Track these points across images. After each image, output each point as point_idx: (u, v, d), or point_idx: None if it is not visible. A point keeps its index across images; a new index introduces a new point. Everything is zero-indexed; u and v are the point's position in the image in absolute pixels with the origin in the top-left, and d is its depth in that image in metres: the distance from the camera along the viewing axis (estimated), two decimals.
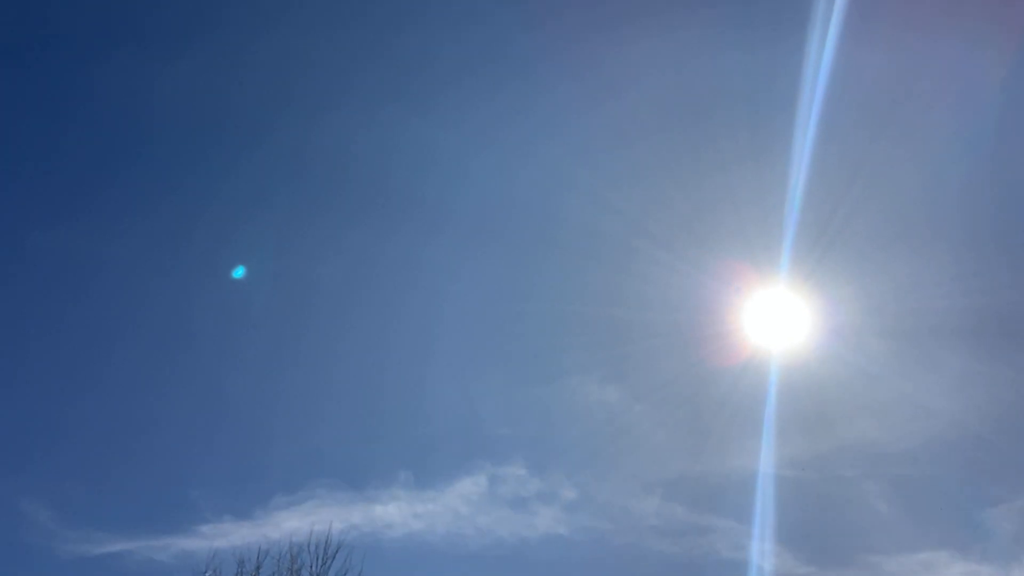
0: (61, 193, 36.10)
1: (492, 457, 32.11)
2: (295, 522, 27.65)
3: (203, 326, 35.41)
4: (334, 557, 23.82)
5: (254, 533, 27.87)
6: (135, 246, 35.62)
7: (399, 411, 34.71)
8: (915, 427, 32.16)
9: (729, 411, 32.44)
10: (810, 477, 31.35)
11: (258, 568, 23.31)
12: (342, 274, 36.46)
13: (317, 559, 23.70)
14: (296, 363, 35.47)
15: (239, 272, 34.51)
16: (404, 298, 36.49)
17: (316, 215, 37.08)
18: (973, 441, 31.39)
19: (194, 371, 34.87)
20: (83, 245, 35.00)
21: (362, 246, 36.76)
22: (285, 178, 37.48)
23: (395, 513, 29.58)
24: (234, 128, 36.85)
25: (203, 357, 35.07)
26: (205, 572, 23.23)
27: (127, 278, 35.84)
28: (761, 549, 29.10)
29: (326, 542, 24.00)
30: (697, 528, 31.02)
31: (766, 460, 30.56)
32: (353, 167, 36.58)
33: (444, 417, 34.30)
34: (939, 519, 30.47)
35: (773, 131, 31.49)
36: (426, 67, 36.18)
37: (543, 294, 36.42)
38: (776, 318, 32.64)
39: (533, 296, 36.26)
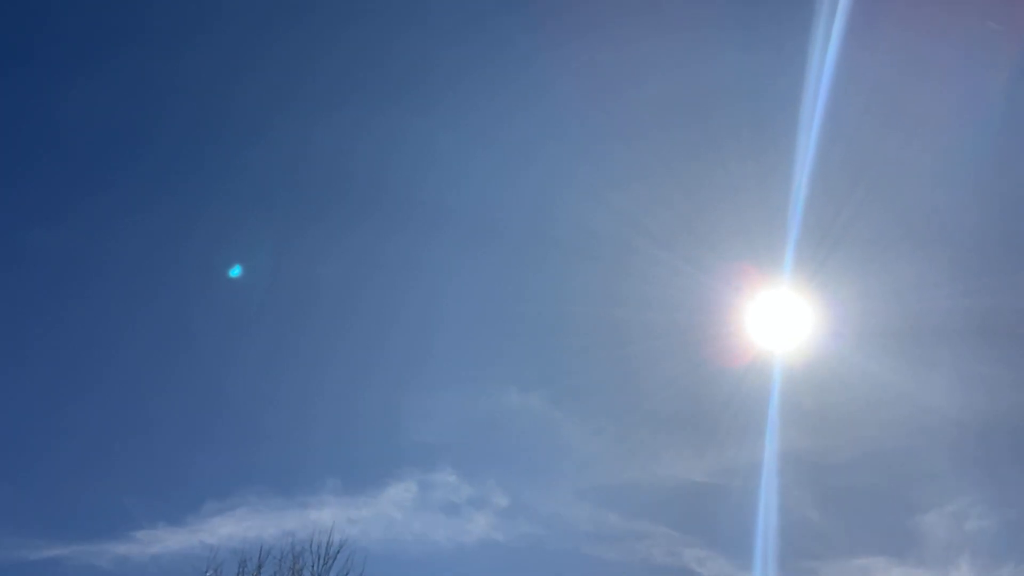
0: (60, 191, 36.12)
1: (419, 463, 32.43)
2: (230, 528, 28.51)
3: (149, 329, 35.26)
4: (335, 557, 23.93)
5: (191, 539, 28.37)
6: (135, 245, 35.62)
7: (323, 418, 34.84)
8: (912, 427, 32.44)
9: (731, 412, 32.33)
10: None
11: (259, 568, 23.30)
12: (337, 275, 36.41)
13: (319, 559, 23.77)
14: (224, 371, 35.39)
15: (236, 271, 34.42)
16: (363, 304, 36.56)
17: (316, 215, 37.05)
18: (972, 440, 31.62)
19: (126, 380, 34.66)
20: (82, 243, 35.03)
21: (361, 247, 36.77)
22: (285, 178, 37.43)
23: (329, 519, 29.20)
24: (235, 128, 36.87)
25: (138, 366, 34.93)
26: (206, 571, 23.16)
27: (124, 278, 35.89)
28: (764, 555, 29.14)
29: (327, 542, 24.12)
30: (632, 534, 31.58)
31: (769, 461, 30.50)
32: (353, 168, 36.56)
33: (368, 424, 34.48)
34: (875, 525, 31.00)
35: (776, 130, 31.46)
36: (426, 68, 36.18)
37: (540, 296, 36.51)
38: (779, 320, 32.52)
39: (523, 298, 36.34)
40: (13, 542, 28.70)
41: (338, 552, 23.86)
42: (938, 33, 30.36)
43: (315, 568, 23.47)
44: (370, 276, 36.61)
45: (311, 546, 23.88)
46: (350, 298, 36.63)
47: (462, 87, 36.41)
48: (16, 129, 35.40)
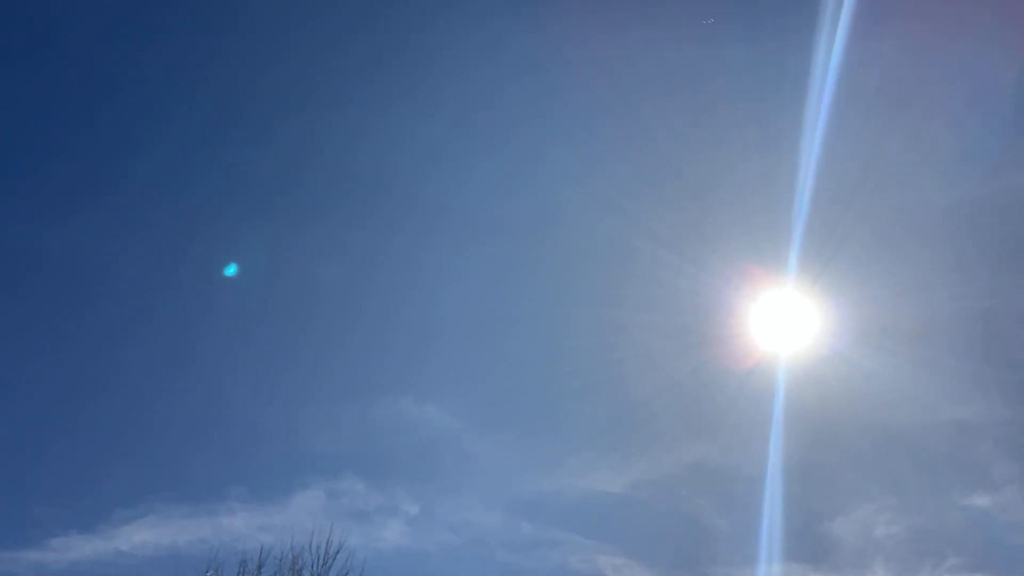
0: (63, 192, 36.18)
1: (324, 472, 32.55)
2: (144, 535, 29.14)
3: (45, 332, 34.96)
4: (335, 557, 23.87)
5: (106, 546, 28.82)
6: (137, 245, 35.67)
7: (224, 425, 34.79)
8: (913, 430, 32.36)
9: (737, 414, 32.17)
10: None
11: (260, 568, 23.29)
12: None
13: (318, 560, 23.72)
14: (123, 381, 35.22)
15: (231, 270, 34.47)
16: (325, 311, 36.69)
17: (318, 216, 37.02)
18: (970, 441, 31.59)
19: (28, 388, 34.46)
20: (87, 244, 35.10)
21: (363, 247, 36.77)
22: (288, 179, 37.39)
23: (242, 526, 29.79)
24: (238, 128, 36.88)
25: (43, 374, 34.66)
26: (207, 572, 23.15)
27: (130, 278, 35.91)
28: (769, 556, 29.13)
29: (327, 543, 24.04)
30: (546, 542, 31.96)
31: (774, 463, 30.32)
32: (356, 168, 36.54)
33: (269, 432, 34.54)
34: (787, 531, 30.91)
35: (781, 132, 31.24)
36: (431, 69, 36.04)
37: (539, 297, 36.46)
38: (783, 321, 32.32)
39: (520, 300, 36.24)
40: None
41: (337, 552, 23.87)
42: (943, 33, 30.25)
43: (314, 568, 23.50)
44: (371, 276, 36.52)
45: (310, 546, 23.90)
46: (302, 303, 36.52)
47: (466, 88, 36.33)
48: (19, 130, 35.58)
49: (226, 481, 31.98)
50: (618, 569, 30.43)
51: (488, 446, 34.02)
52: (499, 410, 35.13)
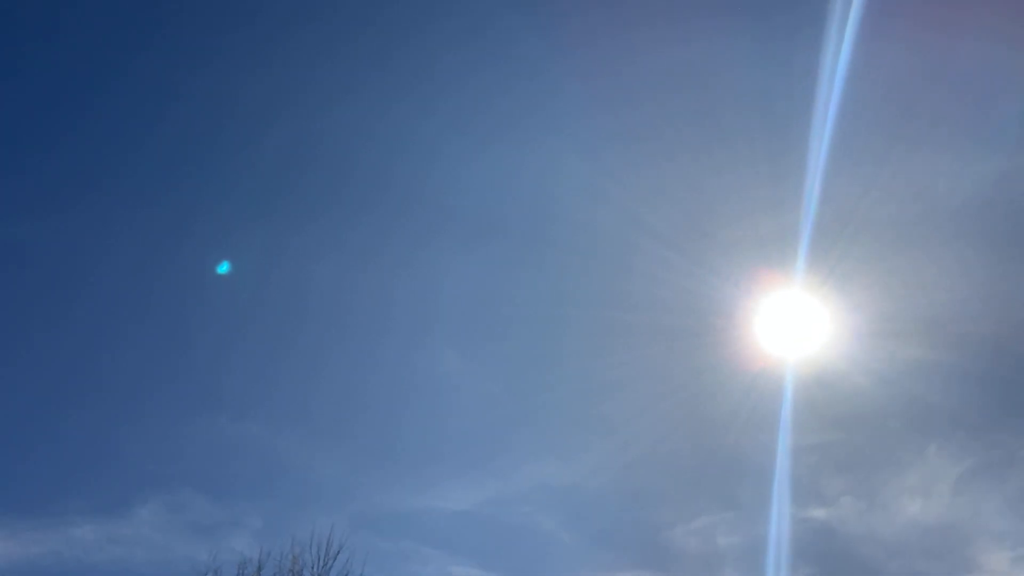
0: (58, 186, 35.74)
1: (160, 486, 32.43)
2: None
3: None
4: (335, 558, 23.69)
5: None
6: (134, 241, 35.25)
7: (54, 438, 34.23)
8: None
9: (743, 417, 31.73)
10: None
11: (259, 569, 23.06)
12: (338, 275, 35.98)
13: (318, 560, 23.53)
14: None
15: (224, 268, 34.14)
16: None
17: (316, 215, 36.60)
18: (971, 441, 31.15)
19: None
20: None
21: (361, 246, 36.35)
22: (286, 177, 37.04)
23: (91, 538, 30.09)
24: (237, 126, 36.53)
25: None
26: (206, 574, 22.81)
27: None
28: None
29: (327, 543, 23.82)
30: (398, 554, 32.04)
31: (781, 464, 29.92)
32: (355, 166, 36.21)
33: (103, 446, 34.21)
34: (632, 541, 31.75)
35: (789, 129, 30.95)
36: (430, 69, 35.77)
37: (534, 297, 35.94)
38: (791, 322, 31.92)
39: (516, 299, 35.76)
40: None
41: (338, 553, 23.58)
42: (953, 33, 30.03)
43: (315, 569, 23.24)
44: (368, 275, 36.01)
45: (310, 547, 23.64)
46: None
47: (467, 88, 36.06)
48: (13, 127, 35.30)
49: (64, 495, 31.92)
50: None
51: (327, 463, 34.31)
52: (338, 427, 35.77)
